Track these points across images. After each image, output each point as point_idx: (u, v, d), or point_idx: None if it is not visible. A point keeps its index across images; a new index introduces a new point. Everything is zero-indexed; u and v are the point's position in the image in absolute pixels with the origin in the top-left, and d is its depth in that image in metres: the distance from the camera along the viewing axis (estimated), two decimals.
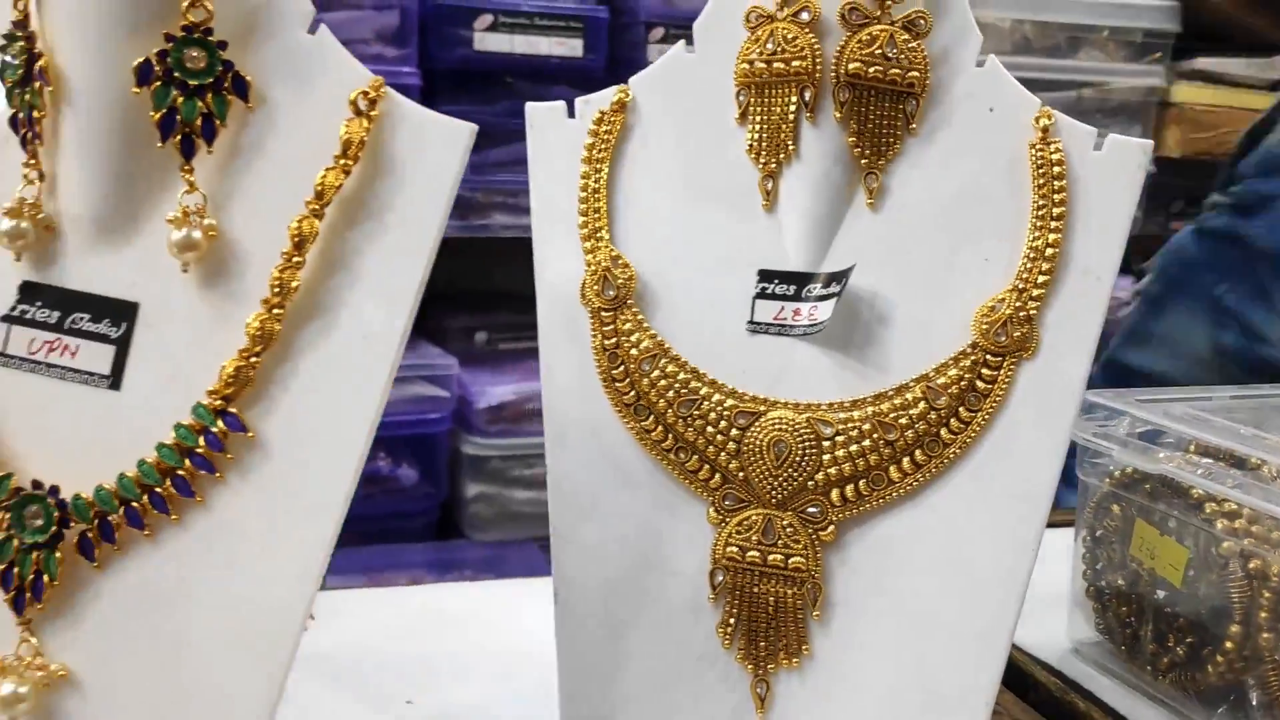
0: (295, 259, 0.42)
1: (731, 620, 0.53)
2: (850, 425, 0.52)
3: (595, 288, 0.55)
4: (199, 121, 0.40)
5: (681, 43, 0.57)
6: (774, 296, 0.54)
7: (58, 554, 0.41)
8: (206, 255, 0.41)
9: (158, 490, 0.42)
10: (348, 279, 0.43)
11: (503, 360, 1.74)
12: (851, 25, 0.53)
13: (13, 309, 0.42)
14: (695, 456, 0.54)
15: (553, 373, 0.57)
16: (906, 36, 0.52)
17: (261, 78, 0.42)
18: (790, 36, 0.53)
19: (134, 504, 0.42)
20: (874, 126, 0.53)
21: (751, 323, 0.54)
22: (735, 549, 0.53)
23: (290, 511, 0.43)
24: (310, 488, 0.43)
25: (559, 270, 0.56)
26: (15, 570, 0.41)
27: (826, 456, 0.52)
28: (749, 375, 0.54)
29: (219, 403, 0.42)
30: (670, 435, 0.54)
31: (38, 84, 0.39)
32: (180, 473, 0.42)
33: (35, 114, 0.40)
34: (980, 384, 0.51)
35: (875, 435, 0.52)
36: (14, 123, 0.40)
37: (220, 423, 0.42)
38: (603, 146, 0.57)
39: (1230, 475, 0.64)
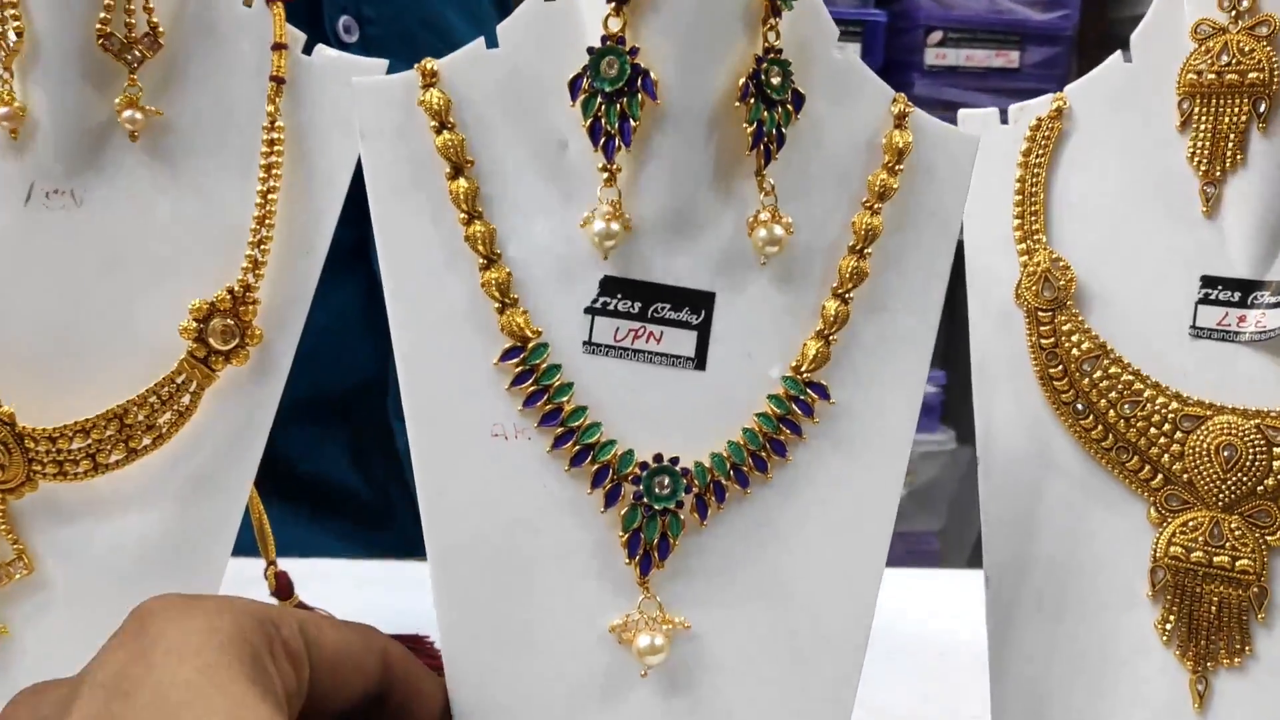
0: (866, 250, 0.48)
1: (1171, 618, 0.55)
2: None
3: (1034, 288, 0.58)
4: (774, 131, 0.45)
5: (1118, 53, 0.59)
6: (1218, 303, 0.55)
7: (680, 517, 0.46)
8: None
9: (759, 453, 0.47)
10: (895, 268, 0.49)
11: None
12: None
13: (595, 301, 0.46)
14: (1136, 456, 0.56)
15: (985, 369, 0.60)
16: None
17: (809, 92, 0.47)
18: (1247, 49, 0.55)
19: (741, 467, 0.47)
20: None
21: (1194, 328, 0.56)
22: (1180, 549, 0.55)
23: (863, 463, 0.49)
24: (877, 443, 0.49)
25: (992, 270, 0.59)
26: (641, 535, 0.46)
27: (1277, 463, 0.53)
28: (1192, 379, 0.55)
29: (806, 375, 0.48)
30: (1111, 434, 0.56)
31: (641, 95, 0.43)
32: (777, 437, 0.48)
33: (631, 123, 0.44)
34: None
35: None
36: (594, 130, 0.44)
37: (809, 392, 0.48)
38: (1040, 151, 0.59)
39: None
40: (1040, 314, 0.57)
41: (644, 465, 0.47)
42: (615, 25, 0.44)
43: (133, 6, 0.48)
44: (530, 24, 0.48)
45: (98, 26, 0.48)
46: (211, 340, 0.49)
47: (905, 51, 1.74)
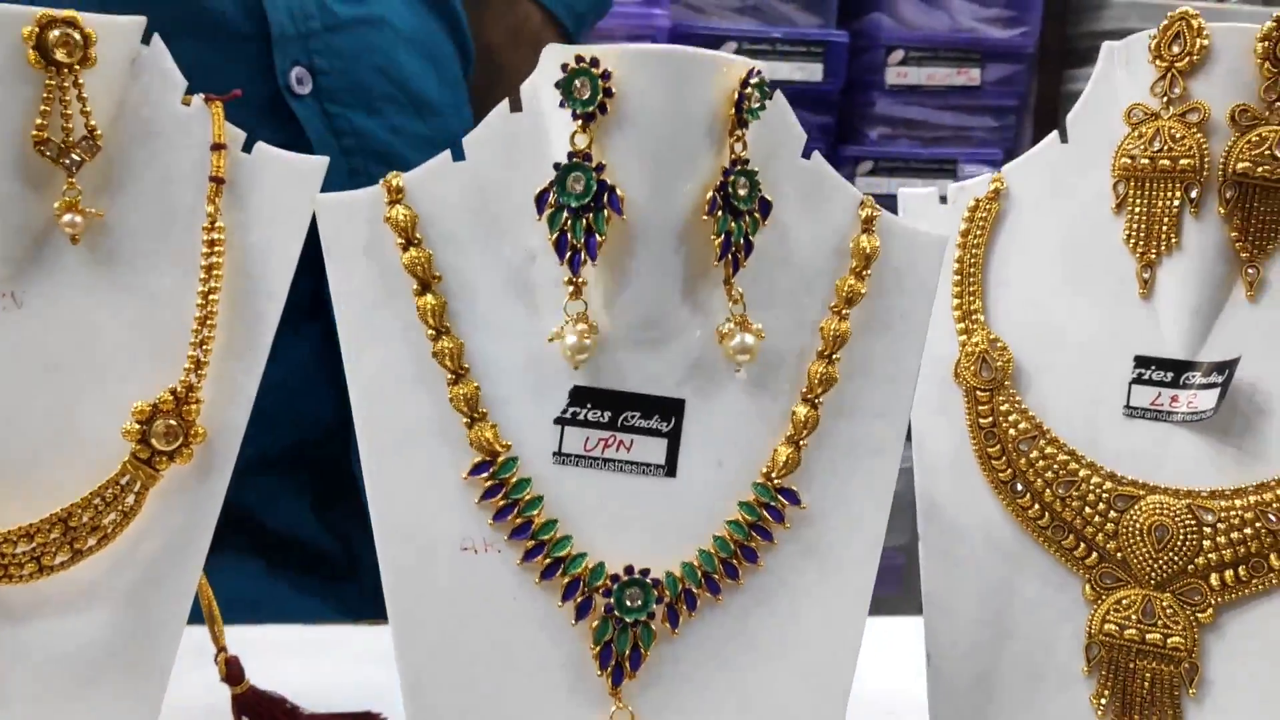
0: (835, 356, 0.49)
1: (1106, 693, 0.57)
2: (1232, 513, 0.55)
3: (972, 368, 0.59)
4: (742, 241, 0.46)
5: (1054, 134, 0.61)
6: (1151, 382, 0.57)
7: (652, 628, 0.47)
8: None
9: (730, 561, 0.48)
10: (864, 373, 0.50)
11: None
12: (1240, 126, 0.56)
13: (564, 412, 0.47)
14: (1072, 535, 0.57)
15: (924, 447, 0.61)
16: None
17: (776, 200, 0.48)
18: (1177, 135, 0.56)
19: (713, 575, 0.48)
20: (1258, 222, 0.56)
21: (1128, 407, 0.57)
22: (1114, 626, 0.56)
23: (834, 567, 0.49)
24: (849, 547, 0.50)
25: (931, 349, 0.61)
26: (613, 647, 0.46)
27: (1207, 542, 0.55)
28: (1125, 459, 0.57)
29: (776, 481, 0.49)
30: (1047, 513, 0.58)
31: (607, 211, 0.44)
32: (747, 543, 0.48)
33: (597, 238, 0.44)
34: None
35: (1257, 524, 0.55)
36: (560, 244, 0.45)
37: (779, 498, 0.49)
38: (978, 232, 0.61)
39: None
40: (979, 394, 0.59)
41: (615, 578, 0.47)
42: (582, 141, 0.45)
43: (69, 111, 0.48)
44: (496, 137, 0.48)
45: (34, 132, 0.48)
46: (154, 441, 0.50)
47: (867, 71, 1.76)
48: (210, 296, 0.50)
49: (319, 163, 0.51)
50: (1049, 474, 0.56)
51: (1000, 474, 0.57)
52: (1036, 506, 0.56)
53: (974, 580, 0.58)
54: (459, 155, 0.47)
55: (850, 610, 0.49)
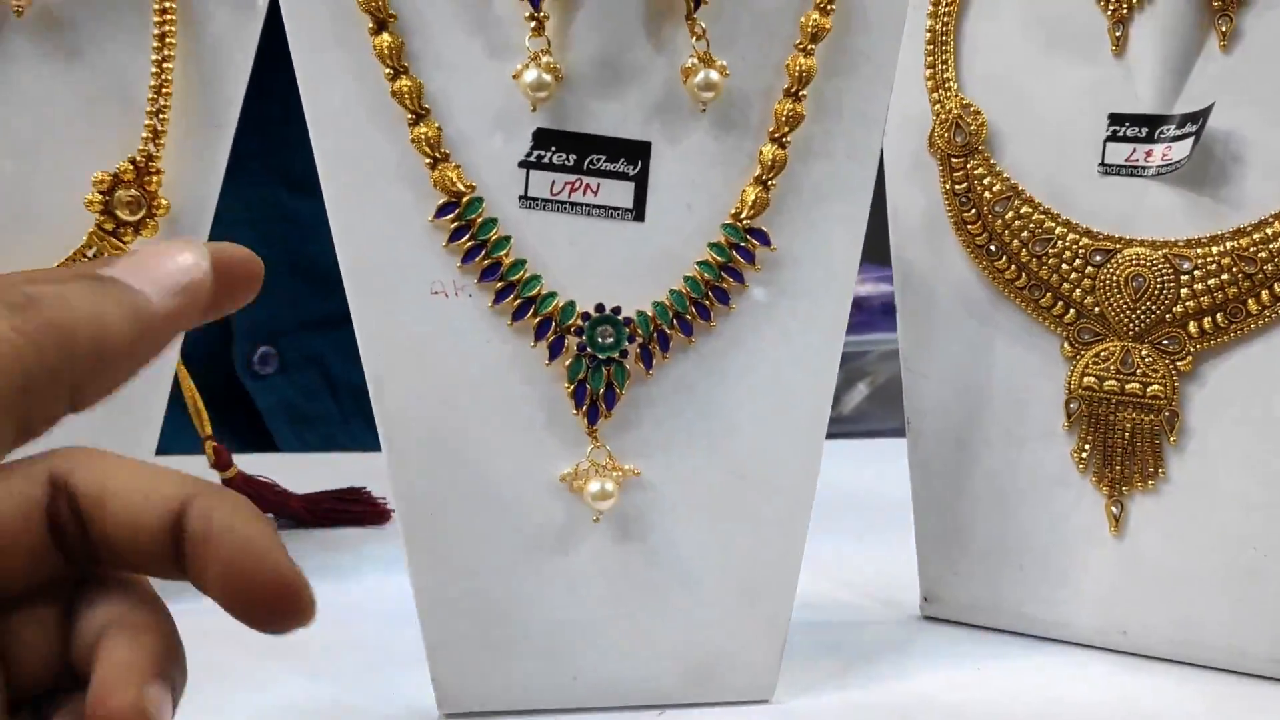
0: (801, 94, 0.48)
1: (1087, 446, 0.57)
2: (1209, 259, 0.55)
3: (945, 134, 0.59)
4: None
5: None
6: (1125, 139, 0.57)
7: (626, 366, 0.46)
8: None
9: (702, 302, 0.48)
10: (832, 113, 0.49)
11: None
12: None
13: (529, 154, 0.45)
14: (1049, 293, 0.57)
15: (899, 217, 0.61)
16: None
17: None
18: None
19: (685, 315, 0.47)
20: None
21: (1103, 165, 0.57)
22: (1092, 379, 0.57)
23: (806, 308, 0.49)
24: (820, 288, 0.49)
25: (905, 120, 0.60)
26: (587, 385, 0.46)
27: (1184, 290, 0.55)
28: (1101, 216, 0.57)
29: (745, 222, 0.48)
30: (1024, 273, 0.58)
31: None
32: (718, 284, 0.48)
33: None
34: None
35: (1234, 269, 0.55)
36: None
37: (749, 238, 0.48)
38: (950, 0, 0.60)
39: None
40: (953, 160, 0.58)
41: (586, 316, 0.47)
42: None
43: None
44: None
45: None
46: (119, 212, 0.49)
47: None
48: (164, 65, 0.49)
49: None
50: (1025, 234, 0.56)
51: (976, 238, 0.57)
52: (1013, 267, 0.56)
53: (951, 343, 0.58)
54: None
55: (823, 348, 0.50)
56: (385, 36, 0.45)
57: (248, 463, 0.67)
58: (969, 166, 0.57)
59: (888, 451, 0.69)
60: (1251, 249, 0.53)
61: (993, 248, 0.57)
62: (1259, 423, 0.54)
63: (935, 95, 0.58)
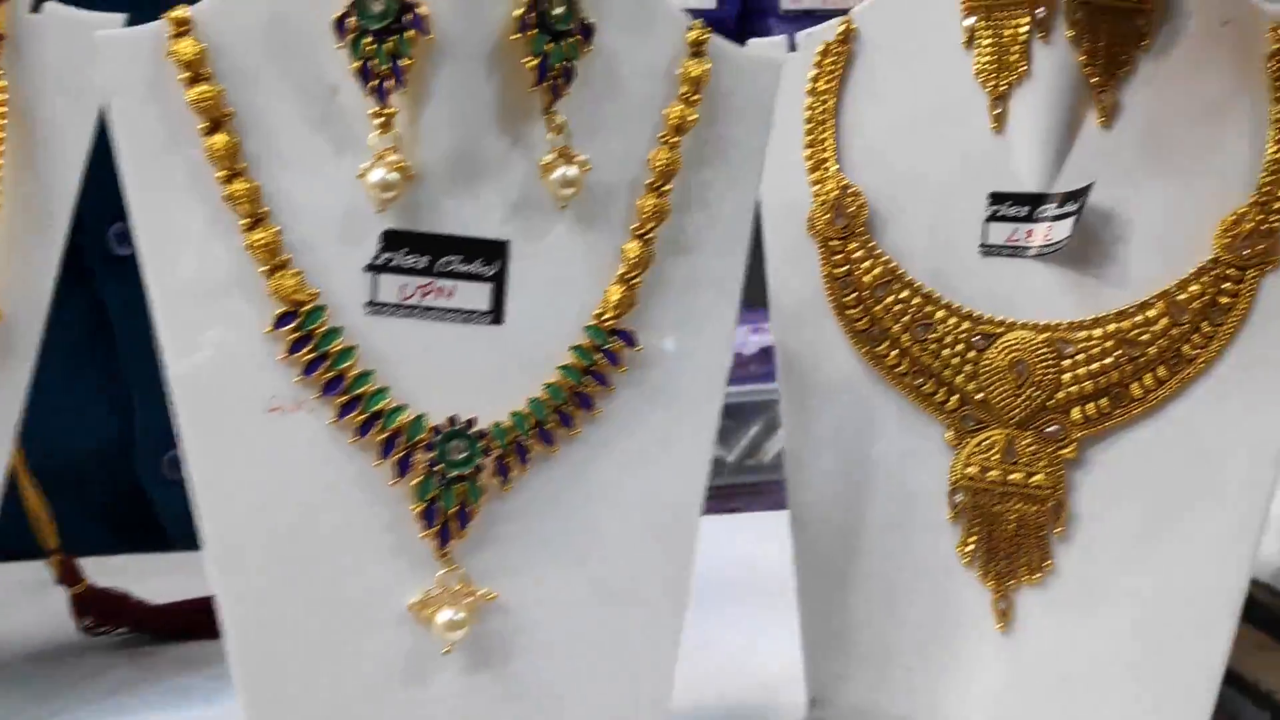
0: (665, 188, 0.47)
1: (972, 539, 0.56)
2: (1092, 342, 0.54)
3: (825, 217, 0.58)
4: (560, 65, 0.43)
5: None
6: (1006, 219, 0.56)
7: (480, 483, 0.44)
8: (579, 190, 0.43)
9: (564, 408, 0.45)
10: (699, 205, 0.48)
11: None
12: None
13: (376, 258, 0.43)
14: (931, 380, 0.56)
15: (780, 302, 0.60)
16: None
17: (599, 23, 0.45)
18: None
19: (545, 424, 0.45)
20: (1106, 44, 0.54)
21: (984, 246, 0.56)
22: (975, 469, 0.55)
23: (676, 410, 0.47)
24: (690, 388, 0.48)
25: (785, 201, 0.59)
26: (438, 505, 0.43)
27: (1067, 375, 0.54)
28: (983, 298, 0.56)
29: (609, 322, 0.46)
30: (905, 359, 0.56)
31: (411, 33, 0.41)
32: (582, 389, 0.46)
33: (401, 62, 0.41)
34: (1223, 299, 0.53)
35: (1118, 352, 0.53)
36: (364, 71, 0.41)
37: (614, 339, 0.46)
38: (828, 78, 0.59)
39: None
40: (832, 243, 0.57)
41: (437, 430, 0.44)
42: None
43: None
44: None
45: None
46: None
47: None
48: None
49: (116, 19, 0.47)
50: (906, 318, 0.55)
51: (856, 322, 0.56)
52: (895, 353, 0.55)
53: (834, 431, 0.56)
54: None
55: (694, 449, 0.48)
56: (220, 137, 0.43)
57: (147, 564, 0.63)
58: (849, 249, 0.56)
59: (770, 527, 0.66)
60: (1134, 331, 0.52)
61: (874, 332, 0.55)
62: (1147, 511, 0.52)
63: (814, 176, 0.57)
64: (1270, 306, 0.52)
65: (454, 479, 0.45)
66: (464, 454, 0.45)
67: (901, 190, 0.56)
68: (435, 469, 0.44)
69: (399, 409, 0.45)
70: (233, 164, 0.43)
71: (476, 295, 0.46)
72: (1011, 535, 0.54)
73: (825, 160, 0.56)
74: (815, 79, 0.57)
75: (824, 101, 0.57)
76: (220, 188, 0.43)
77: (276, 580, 0.45)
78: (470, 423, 0.45)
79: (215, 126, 0.43)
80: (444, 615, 0.45)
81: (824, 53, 0.57)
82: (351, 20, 0.42)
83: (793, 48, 0.58)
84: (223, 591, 0.44)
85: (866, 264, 0.55)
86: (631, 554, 0.48)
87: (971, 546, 0.55)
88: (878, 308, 0.55)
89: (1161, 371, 0.52)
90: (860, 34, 0.57)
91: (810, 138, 0.57)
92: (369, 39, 0.42)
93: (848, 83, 0.57)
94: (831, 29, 0.57)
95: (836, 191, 0.56)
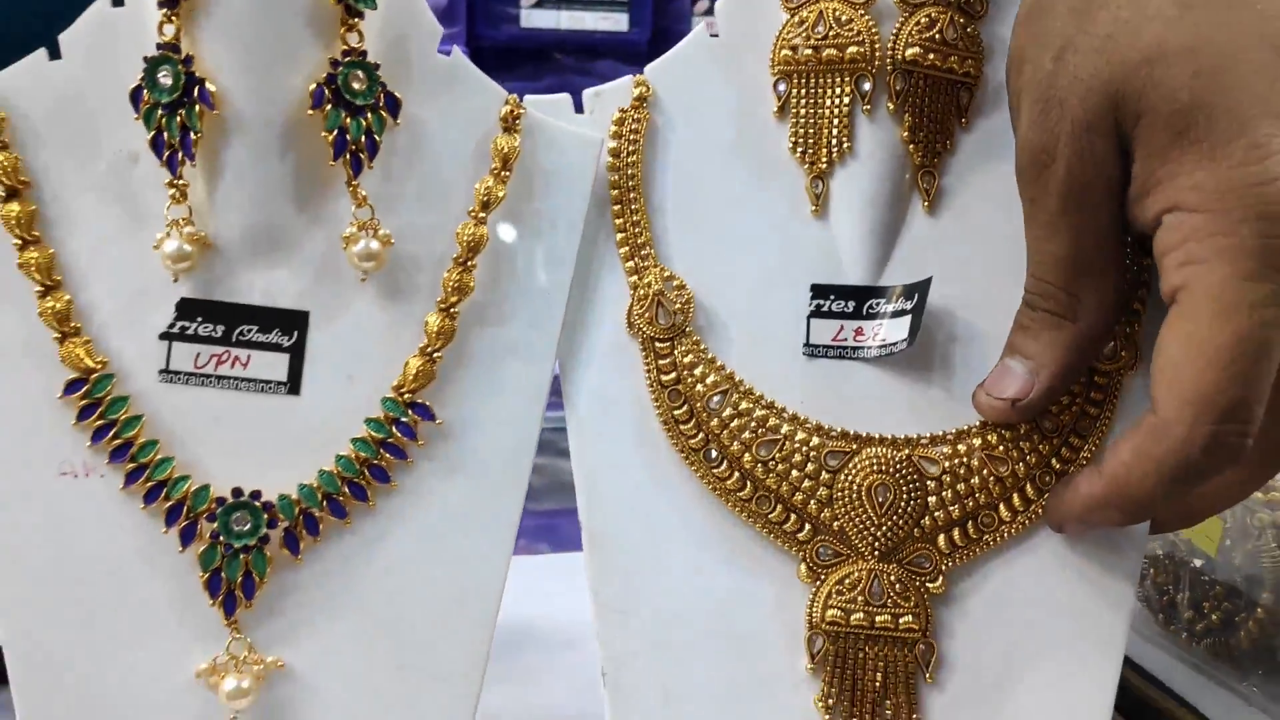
0: (470, 263, 0.53)
1: (833, 691, 0.48)
2: (957, 461, 0.48)
3: (647, 314, 0.49)
4: (363, 139, 0.52)
5: (702, 27, 0.51)
6: (831, 315, 0.50)
7: (266, 554, 0.54)
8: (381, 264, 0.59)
9: (357, 481, 0.54)
10: (510, 279, 0.54)
11: None
12: (909, 5, 0.49)
13: (171, 326, 0.52)
14: (780, 506, 0.48)
15: (591, 415, 0.50)
16: (964, 20, 0.49)
17: (408, 96, 0.53)
18: (844, 18, 0.51)
19: (336, 497, 0.54)
20: (929, 120, 0.51)
21: (807, 345, 0.49)
22: (838, 611, 0.49)
23: (477, 489, 0.54)
24: (493, 461, 0.55)
25: (598, 295, 0.50)
26: (222, 575, 0.53)
27: (933, 499, 0.48)
28: (806, 407, 0.49)
29: (407, 396, 0.53)
30: (749, 482, 0.48)
31: (199, 106, 0.50)
32: (376, 462, 0.54)
33: (192, 136, 0.50)
34: (1091, 408, 0.49)
35: (985, 471, 0.48)
36: (157, 144, 0.50)
37: (411, 413, 0.54)
38: (631, 150, 0.53)
39: None
40: (658, 345, 0.48)
41: (221, 500, 0.55)
42: (169, 31, 0.51)
43: None
44: (94, 32, 0.53)
45: None
46: None
47: (674, 19, 1.91)
48: None
49: None
50: (746, 434, 0.47)
51: (691, 441, 0.46)
52: (736, 475, 0.48)
53: (659, 573, 0.50)
54: (55, 54, 0.55)
55: (497, 522, 0.53)
56: (14, 205, 0.53)
57: None
58: (677, 353, 0.46)
59: (570, 569, 0.63)
60: (1001, 447, 0.46)
61: (712, 453, 0.46)
62: (1021, 649, 0.46)
63: (631, 265, 0.48)
64: (1129, 409, 0.48)
65: (241, 549, 0.53)
66: (248, 525, 0.53)
67: (724, 281, 0.53)
68: (218, 539, 0.54)
69: (183, 479, 0.54)
70: (27, 231, 0.53)
71: (274, 365, 0.53)
72: (878, 685, 0.48)
73: (643, 246, 0.48)
74: (617, 152, 0.54)
75: (630, 178, 0.49)
76: (14, 255, 0.54)
77: (62, 645, 0.52)
78: (256, 494, 0.56)
79: (11, 194, 0.52)
80: (228, 684, 0.52)
81: (621, 120, 0.50)
82: (146, 93, 0.53)
83: (580, 110, 0.48)
84: (9, 655, 0.51)
85: (699, 370, 0.51)
86: (429, 626, 0.55)
87: (833, 700, 0.47)
88: (714, 422, 0.48)
89: (1030, 491, 0.49)
90: (658, 97, 0.48)
91: (622, 220, 0.48)
92: (161, 111, 0.52)
93: (653, 154, 0.54)
94: (624, 90, 0.50)
95: (659, 284, 0.47)
